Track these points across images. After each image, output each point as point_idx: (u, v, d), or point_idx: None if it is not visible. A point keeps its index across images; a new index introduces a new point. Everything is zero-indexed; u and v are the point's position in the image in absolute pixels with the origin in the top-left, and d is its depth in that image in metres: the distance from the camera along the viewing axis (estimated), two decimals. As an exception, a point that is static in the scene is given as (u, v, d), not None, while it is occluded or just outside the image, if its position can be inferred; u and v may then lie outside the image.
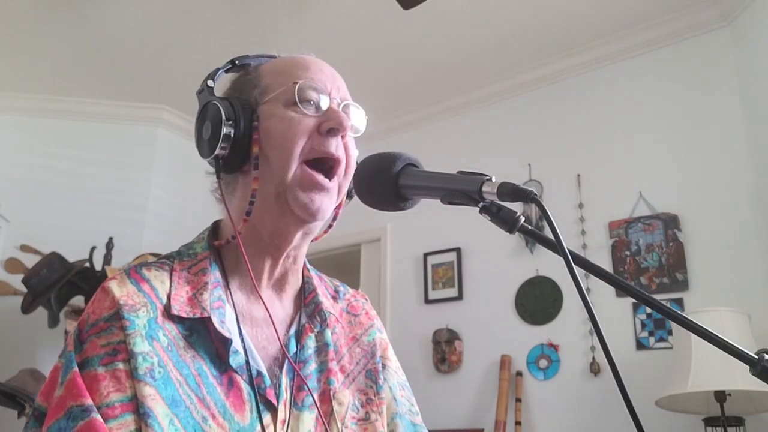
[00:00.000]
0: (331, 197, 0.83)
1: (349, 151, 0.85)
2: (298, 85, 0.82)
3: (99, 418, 0.68)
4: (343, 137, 0.84)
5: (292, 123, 0.82)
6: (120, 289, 0.77)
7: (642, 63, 3.19)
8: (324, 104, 0.84)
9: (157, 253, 3.13)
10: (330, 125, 0.82)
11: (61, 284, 3.06)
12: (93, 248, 3.32)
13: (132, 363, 0.72)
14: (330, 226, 0.91)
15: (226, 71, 0.91)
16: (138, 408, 0.70)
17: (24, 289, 3.12)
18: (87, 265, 3.22)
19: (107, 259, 3.46)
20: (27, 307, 3.10)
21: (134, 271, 0.81)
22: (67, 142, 3.80)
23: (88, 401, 0.69)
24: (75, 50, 3.39)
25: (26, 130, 3.78)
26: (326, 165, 0.83)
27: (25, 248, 3.40)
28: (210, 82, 0.87)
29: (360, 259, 3.94)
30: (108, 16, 3.13)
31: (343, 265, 3.90)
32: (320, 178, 0.82)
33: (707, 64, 3.01)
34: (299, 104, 0.82)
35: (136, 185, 3.80)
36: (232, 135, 0.81)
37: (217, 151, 0.81)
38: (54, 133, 3.80)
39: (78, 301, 3.26)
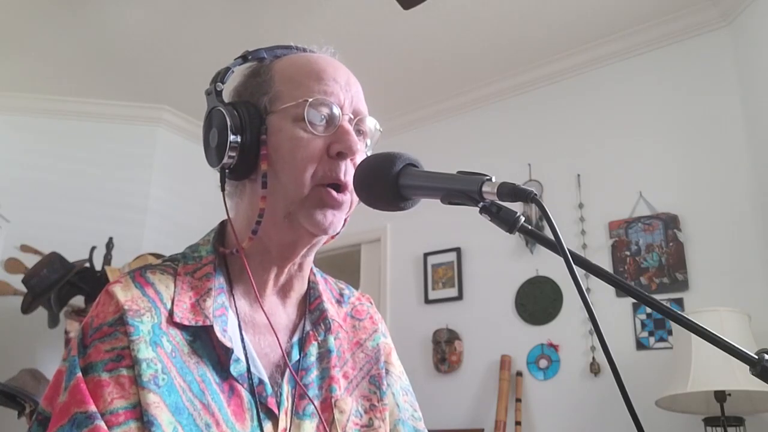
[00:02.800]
0: (343, 212, 0.82)
1: None
2: (309, 102, 0.80)
3: (103, 425, 0.68)
4: (352, 160, 0.82)
5: (301, 144, 0.79)
6: (124, 294, 0.76)
7: (642, 63, 3.19)
8: (335, 120, 0.81)
9: (157, 254, 3.14)
10: (339, 149, 0.80)
11: (61, 284, 3.06)
12: (93, 248, 3.32)
13: (136, 369, 0.71)
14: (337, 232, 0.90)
15: (238, 65, 0.88)
16: (142, 415, 0.69)
17: (24, 289, 3.12)
18: (87, 265, 3.22)
19: (107, 259, 3.46)
20: (27, 307, 3.10)
21: (139, 275, 0.80)
22: (67, 142, 3.80)
23: (92, 408, 0.68)
24: (75, 50, 3.39)
25: (26, 130, 3.78)
26: (335, 184, 0.81)
27: (25, 248, 3.40)
28: (219, 85, 0.84)
29: (360, 259, 3.94)
30: (108, 16, 3.13)
31: (343, 265, 3.90)
32: (335, 195, 0.80)
33: (707, 64, 3.01)
34: (309, 122, 0.80)
35: (136, 185, 3.80)
36: (239, 146, 0.79)
37: (225, 160, 0.79)
38: (54, 133, 3.80)
39: (78, 301, 3.26)
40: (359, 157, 0.83)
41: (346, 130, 0.81)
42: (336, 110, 0.81)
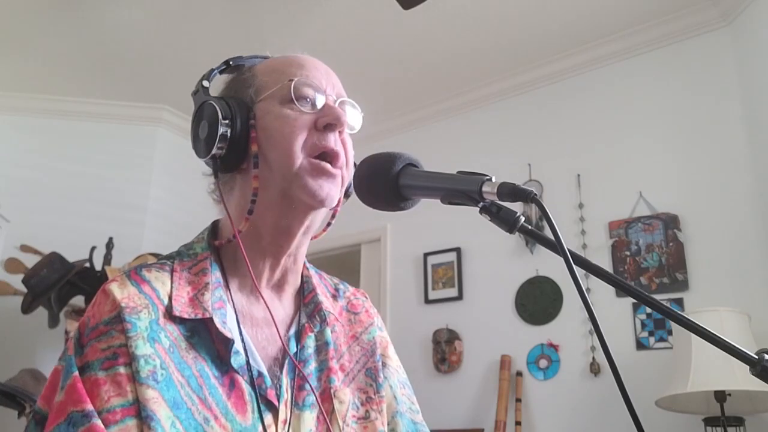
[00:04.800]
0: (337, 185, 0.84)
1: (346, 146, 0.85)
2: (293, 82, 0.82)
3: (100, 423, 0.68)
4: (340, 133, 0.84)
5: (288, 120, 0.81)
6: (121, 292, 0.77)
7: (642, 63, 3.19)
8: (320, 101, 0.84)
9: (157, 254, 3.14)
10: (327, 120, 0.82)
11: (61, 284, 3.06)
12: (93, 248, 3.32)
13: (134, 366, 0.72)
14: (329, 224, 0.91)
15: (221, 72, 0.90)
16: (140, 412, 0.70)
17: (24, 289, 3.12)
18: (87, 265, 3.22)
19: (107, 259, 3.46)
20: (27, 307, 3.10)
21: (134, 273, 0.81)
22: (67, 142, 3.80)
23: (89, 406, 0.69)
24: (75, 50, 3.39)
25: (26, 130, 3.78)
26: (327, 157, 0.83)
27: (25, 248, 3.40)
28: (205, 83, 0.87)
29: (360, 259, 3.94)
30: (108, 16, 3.13)
31: (343, 265, 3.90)
32: (327, 165, 0.82)
33: (707, 64, 3.01)
34: (295, 101, 0.82)
35: (136, 185, 3.80)
36: (229, 134, 0.81)
37: (215, 150, 0.80)
38: (54, 133, 3.80)
39: (78, 301, 3.26)
40: (345, 136, 0.85)
41: (331, 105, 0.84)
42: (320, 91, 0.84)
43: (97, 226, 3.56)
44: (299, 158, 0.81)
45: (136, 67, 3.53)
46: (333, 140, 0.83)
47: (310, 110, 0.83)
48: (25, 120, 3.78)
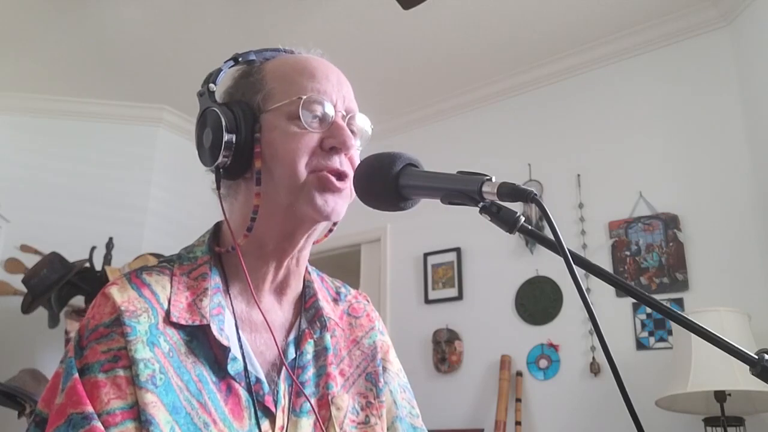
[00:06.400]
0: (344, 199, 0.83)
1: (354, 164, 0.84)
2: (303, 99, 0.81)
3: (99, 425, 0.68)
4: (346, 154, 0.83)
5: (295, 139, 0.80)
6: (121, 295, 0.77)
7: (642, 63, 3.19)
8: (329, 117, 0.82)
9: (157, 254, 3.14)
10: (333, 143, 0.81)
11: (62, 284, 3.06)
12: (93, 248, 3.32)
13: (133, 370, 0.71)
14: (330, 230, 0.90)
15: (229, 68, 0.88)
16: (139, 415, 0.70)
17: (24, 289, 3.12)
18: (87, 265, 3.22)
19: (107, 259, 3.46)
20: (27, 307, 3.10)
21: (135, 276, 0.80)
22: (67, 142, 3.80)
23: (89, 408, 0.69)
24: (75, 50, 3.39)
25: (26, 130, 3.78)
26: (333, 175, 0.82)
27: (25, 248, 3.40)
28: (212, 86, 0.85)
29: (360, 259, 3.94)
30: (108, 16, 3.13)
31: (343, 265, 3.90)
32: (334, 180, 0.81)
33: (707, 64, 3.01)
34: (303, 119, 0.80)
35: (136, 185, 3.80)
36: (233, 145, 0.79)
37: (219, 160, 0.79)
38: (54, 133, 3.80)
39: (78, 301, 3.26)
40: (353, 153, 0.84)
41: (339, 126, 0.82)
42: (329, 107, 0.82)
43: (97, 226, 3.56)
44: (303, 175, 0.80)
45: (136, 67, 3.53)
46: (338, 162, 0.81)
47: (318, 128, 0.81)
48: (25, 120, 3.78)
